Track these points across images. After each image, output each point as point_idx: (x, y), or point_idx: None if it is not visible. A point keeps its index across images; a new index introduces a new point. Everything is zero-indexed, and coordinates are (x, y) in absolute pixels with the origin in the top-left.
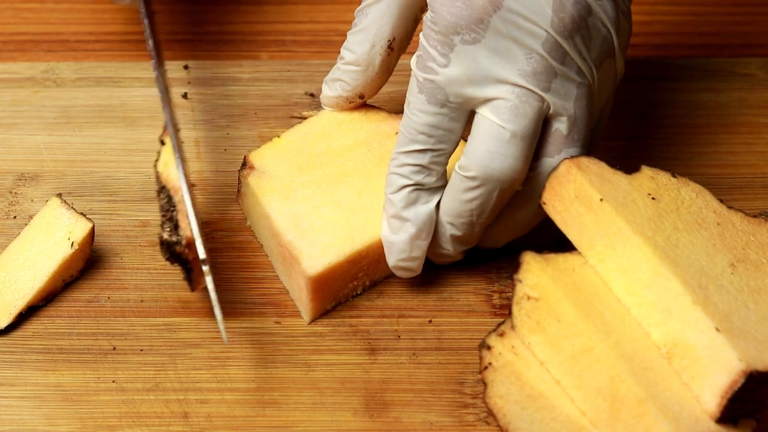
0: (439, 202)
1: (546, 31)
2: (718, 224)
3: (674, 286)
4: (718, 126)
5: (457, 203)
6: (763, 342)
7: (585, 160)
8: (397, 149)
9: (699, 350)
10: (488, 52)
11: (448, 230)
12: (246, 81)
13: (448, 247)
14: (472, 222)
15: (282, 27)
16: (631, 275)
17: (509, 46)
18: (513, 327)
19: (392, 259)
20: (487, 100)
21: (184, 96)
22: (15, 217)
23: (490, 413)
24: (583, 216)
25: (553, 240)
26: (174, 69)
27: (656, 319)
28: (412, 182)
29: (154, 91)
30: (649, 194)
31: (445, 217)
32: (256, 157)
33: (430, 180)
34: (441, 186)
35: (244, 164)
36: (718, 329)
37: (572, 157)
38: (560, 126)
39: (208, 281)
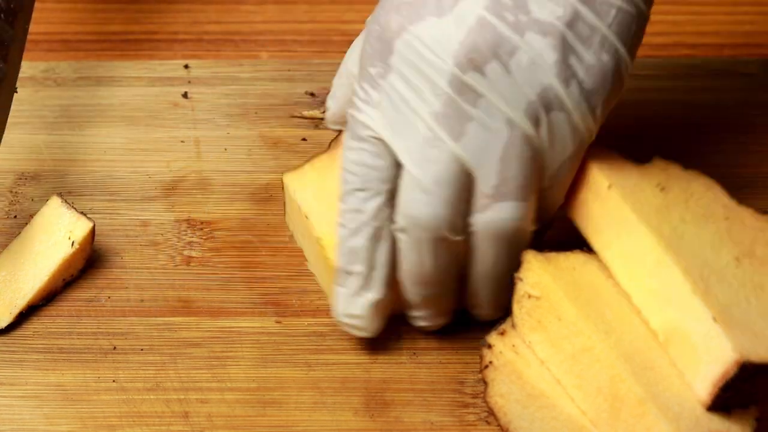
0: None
1: (450, 67)
2: (727, 218)
3: (676, 275)
4: (718, 126)
5: (403, 263)
6: (759, 335)
7: (596, 148)
8: (338, 198)
9: (695, 339)
10: (403, 86)
11: (409, 294)
12: (246, 80)
13: (419, 310)
14: (421, 281)
15: (282, 26)
16: (635, 263)
17: (419, 81)
18: (513, 325)
19: (337, 314)
20: (403, 145)
21: (185, 95)
22: (15, 217)
23: (491, 412)
24: (590, 202)
25: (554, 240)
26: (174, 69)
27: (656, 307)
28: (349, 231)
29: (155, 91)
30: (659, 185)
31: (401, 281)
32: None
33: (366, 227)
34: (386, 248)
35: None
36: (715, 319)
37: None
38: (484, 178)
39: None
